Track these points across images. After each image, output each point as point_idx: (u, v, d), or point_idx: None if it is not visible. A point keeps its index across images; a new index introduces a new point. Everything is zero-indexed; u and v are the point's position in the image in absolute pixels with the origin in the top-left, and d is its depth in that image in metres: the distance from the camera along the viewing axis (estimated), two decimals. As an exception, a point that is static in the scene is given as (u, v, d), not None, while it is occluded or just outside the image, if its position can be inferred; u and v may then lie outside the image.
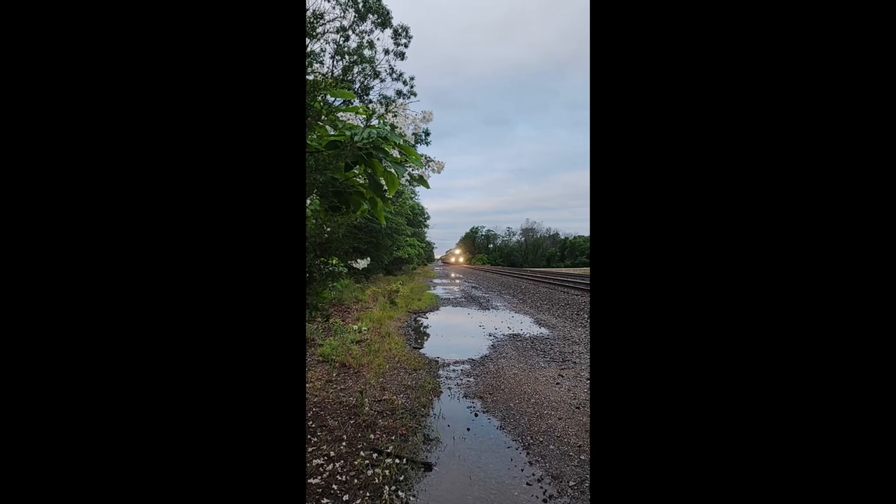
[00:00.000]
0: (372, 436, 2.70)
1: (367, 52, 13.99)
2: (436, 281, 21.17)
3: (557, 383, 3.84)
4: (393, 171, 1.74)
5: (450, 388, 3.75)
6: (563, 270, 42.54)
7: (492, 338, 6.09)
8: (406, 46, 14.43)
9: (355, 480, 2.19)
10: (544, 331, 6.59)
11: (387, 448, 2.51)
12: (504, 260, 77.63)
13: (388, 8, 13.56)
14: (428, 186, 2.03)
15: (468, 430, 2.87)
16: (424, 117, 1.77)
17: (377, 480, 2.18)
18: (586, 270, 44.61)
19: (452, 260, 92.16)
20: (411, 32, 14.09)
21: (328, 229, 1.92)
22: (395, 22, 13.83)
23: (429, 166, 1.95)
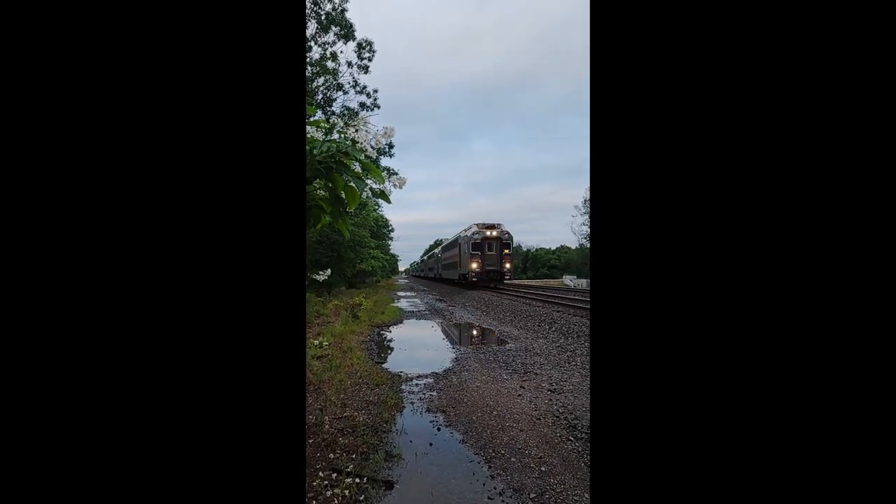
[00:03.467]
0: (331, 455, 2.62)
1: (329, 64, 13.92)
2: (400, 294, 21.02)
3: (519, 395, 3.88)
4: (354, 185, 1.73)
5: (412, 403, 3.71)
6: (526, 282, 43.28)
7: (455, 350, 6.09)
8: (370, 60, 14.51)
9: (313, 503, 2.11)
10: (507, 343, 6.66)
11: (347, 467, 2.45)
12: (468, 272, 77.25)
13: (351, 21, 13.60)
14: (389, 201, 2.04)
15: (430, 445, 2.84)
16: (386, 133, 1.77)
17: (336, 502, 2.12)
18: (548, 282, 45.39)
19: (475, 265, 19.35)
20: (375, 47, 14.17)
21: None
22: (358, 35, 13.89)
23: (391, 180, 1.95)
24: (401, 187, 1.94)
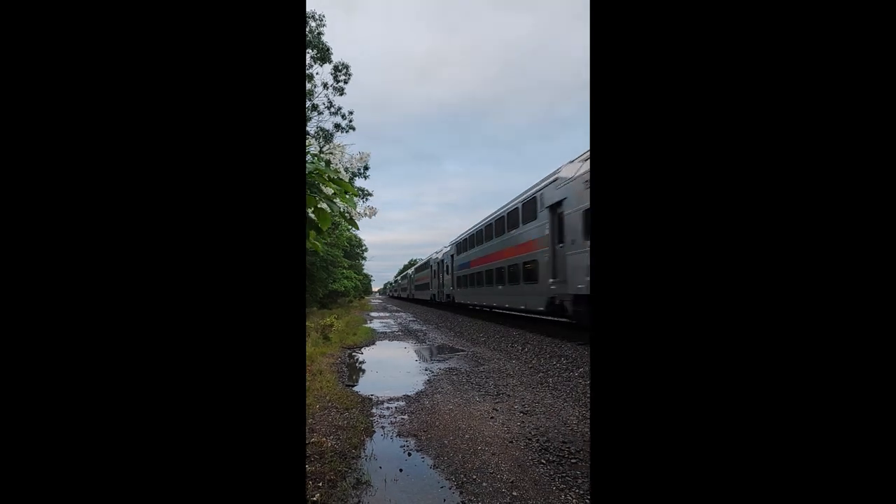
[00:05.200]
0: (297, 484, 2.52)
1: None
2: (373, 314, 20.72)
3: (492, 417, 3.86)
4: (325, 206, 1.73)
5: (383, 427, 3.63)
6: (500, 303, 43.09)
7: (428, 372, 6.02)
8: (346, 83, 14.62)
9: (276, 535, 2.02)
10: (480, 365, 6.63)
11: (313, 497, 2.36)
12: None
13: (328, 44, 13.74)
14: (357, 227, 2.03)
15: (400, 470, 2.78)
16: (361, 157, 1.79)
17: (301, 533, 2.03)
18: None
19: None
20: (351, 70, 14.33)
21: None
22: (334, 58, 14.03)
23: (362, 208, 1.93)
24: (371, 217, 1.92)
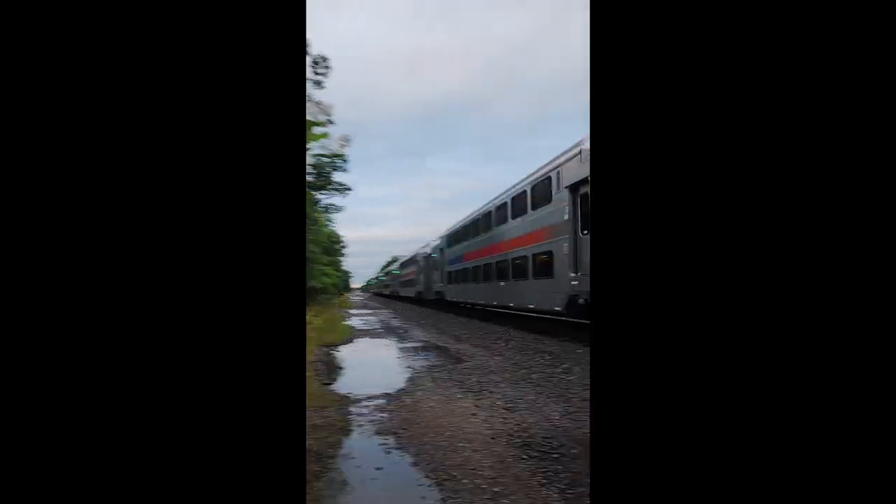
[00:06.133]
0: (269, 485, 2.41)
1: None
2: (353, 312, 20.51)
3: (473, 414, 3.80)
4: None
5: (361, 426, 3.53)
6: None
7: (409, 369, 5.94)
8: (325, 76, 14.37)
9: (245, 541, 1.90)
10: (463, 361, 6.58)
11: (286, 498, 2.25)
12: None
13: (307, 37, 13.49)
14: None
15: (380, 469, 2.69)
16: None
17: (271, 538, 1.92)
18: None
19: None
20: (329, 63, 14.09)
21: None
22: (314, 51, 13.77)
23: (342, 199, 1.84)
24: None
